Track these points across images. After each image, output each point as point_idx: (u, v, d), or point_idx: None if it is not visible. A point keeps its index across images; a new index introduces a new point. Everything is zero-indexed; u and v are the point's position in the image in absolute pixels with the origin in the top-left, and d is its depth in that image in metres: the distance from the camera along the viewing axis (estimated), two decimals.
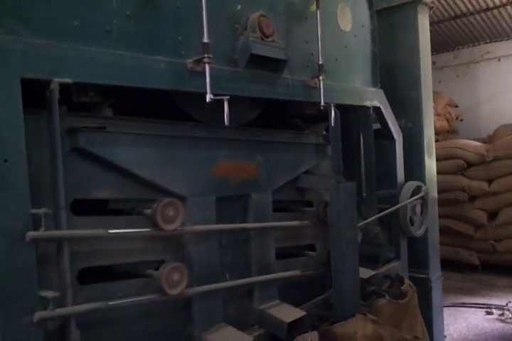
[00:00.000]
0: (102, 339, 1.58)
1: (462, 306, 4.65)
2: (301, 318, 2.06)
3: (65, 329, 1.41)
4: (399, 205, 2.87)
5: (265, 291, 2.12)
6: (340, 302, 2.22)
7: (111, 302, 1.47)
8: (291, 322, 2.00)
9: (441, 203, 3.60)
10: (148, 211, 1.59)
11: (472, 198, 5.66)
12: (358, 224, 2.43)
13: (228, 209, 2.00)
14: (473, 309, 4.59)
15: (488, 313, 4.45)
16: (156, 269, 1.66)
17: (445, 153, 5.57)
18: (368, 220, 2.63)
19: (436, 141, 4.77)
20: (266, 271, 2.12)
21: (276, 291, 2.18)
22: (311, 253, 2.46)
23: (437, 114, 6.20)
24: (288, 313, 2.06)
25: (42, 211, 1.31)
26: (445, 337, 3.71)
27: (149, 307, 1.70)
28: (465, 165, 5.63)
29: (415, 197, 2.98)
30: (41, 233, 1.30)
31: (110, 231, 1.46)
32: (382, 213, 2.77)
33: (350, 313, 2.19)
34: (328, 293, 2.47)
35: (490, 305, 4.63)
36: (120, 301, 1.52)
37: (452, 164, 5.64)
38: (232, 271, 2.02)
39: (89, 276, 1.57)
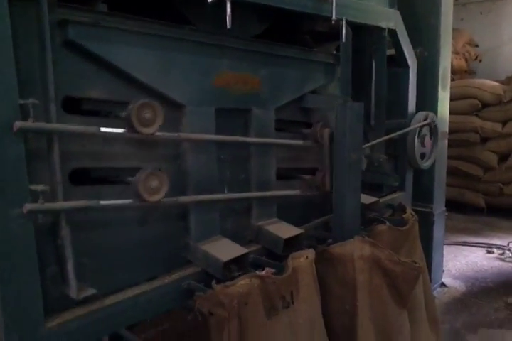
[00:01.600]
0: (96, 244, 1.57)
1: (463, 245, 4.68)
2: (298, 236, 2.06)
3: (56, 225, 1.41)
4: (406, 129, 2.79)
5: (264, 208, 2.11)
6: (340, 225, 2.21)
7: (102, 202, 1.44)
8: (288, 238, 2.00)
9: (452, 144, 3.53)
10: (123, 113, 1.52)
11: (484, 140, 5.54)
12: (363, 146, 2.37)
13: (228, 124, 1.94)
14: (473, 248, 4.62)
15: (489, 252, 4.48)
16: None
17: (460, 92, 5.39)
18: (374, 142, 2.57)
19: (452, 80, 4.61)
20: (265, 188, 2.09)
21: (275, 210, 2.17)
22: (310, 176, 2.42)
23: (456, 53, 5.96)
24: (285, 230, 2.05)
25: (30, 101, 1.25)
26: (443, 271, 3.75)
27: (143, 214, 1.69)
28: (480, 106, 5.47)
29: (422, 123, 2.89)
30: (29, 124, 1.25)
31: (102, 129, 1.41)
32: (389, 136, 2.70)
33: (348, 236, 2.18)
34: (327, 216, 2.46)
35: (491, 244, 4.65)
36: (111, 202, 1.49)
37: (467, 104, 5.47)
38: (231, 186, 1.99)
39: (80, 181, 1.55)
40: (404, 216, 2.62)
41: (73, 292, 1.46)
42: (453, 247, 4.53)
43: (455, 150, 5.36)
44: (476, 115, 5.53)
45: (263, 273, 1.78)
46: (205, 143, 1.80)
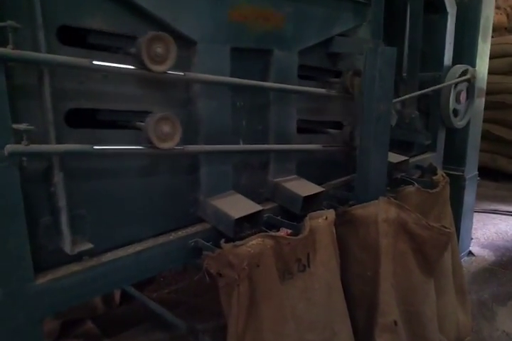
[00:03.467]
0: (95, 194, 1.42)
1: (493, 213, 4.45)
2: (318, 194, 1.88)
3: (49, 171, 1.26)
4: (442, 85, 2.55)
5: (282, 164, 1.92)
6: (363, 185, 2.02)
7: (96, 147, 1.28)
8: (308, 196, 1.82)
9: (486, 106, 3.24)
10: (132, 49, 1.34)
11: None
12: (394, 100, 2.14)
13: (246, 66, 1.73)
14: (504, 216, 4.39)
15: None
16: None
17: (498, 50, 5.02)
18: (406, 96, 2.33)
19: (491, 37, 4.26)
20: (285, 141, 1.90)
21: (295, 166, 1.98)
22: (336, 131, 2.22)
23: (496, 7, 5.54)
24: (305, 188, 1.88)
25: (8, 24, 1.07)
26: (472, 239, 3.56)
27: (149, 163, 1.53)
28: None
29: (460, 79, 2.63)
30: (7, 50, 1.08)
31: (95, 62, 1.22)
32: (423, 91, 2.46)
33: (372, 197, 1.99)
34: (350, 176, 2.27)
35: None
36: (108, 147, 1.33)
37: (505, 63, 5.11)
38: (247, 137, 1.80)
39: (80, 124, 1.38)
40: (434, 178, 2.41)
41: (67, 246, 1.32)
42: (482, 215, 4.31)
43: (488, 112, 4.98)
44: None
45: (278, 233, 1.62)
46: (219, 86, 1.61)
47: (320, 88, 2.01)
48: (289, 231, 1.84)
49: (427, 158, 2.76)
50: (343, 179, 2.27)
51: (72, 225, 1.33)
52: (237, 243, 1.51)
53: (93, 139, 1.36)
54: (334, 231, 1.87)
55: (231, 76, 1.64)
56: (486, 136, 5.10)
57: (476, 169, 3.34)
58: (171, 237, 1.57)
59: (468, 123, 3.01)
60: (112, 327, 2.60)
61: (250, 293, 1.59)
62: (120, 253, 1.44)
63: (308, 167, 2.08)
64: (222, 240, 1.51)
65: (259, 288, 1.59)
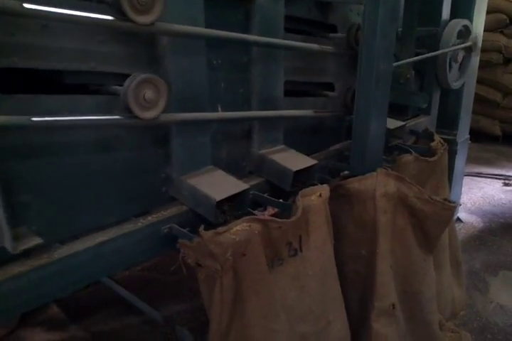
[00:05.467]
0: (43, 175, 1.14)
1: (478, 176, 4.32)
2: (310, 168, 1.64)
3: None
4: (442, 51, 2.29)
5: (268, 133, 1.66)
6: (360, 154, 1.78)
7: (36, 119, 0.99)
8: (298, 171, 1.58)
9: None
10: None
11: (507, 61, 5.00)
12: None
13: (224, 16, 1.44)
14: (489, 179, 4.26)
15: (506, 184, 4.13)
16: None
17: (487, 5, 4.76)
18: (403, 62, 2.07)
19: None
20: (271, 107, 1.63)
21: (282, 135, 1.73)
22: (330, 93, 1.96)
23: None
24: (295, 161, 1.63)
25: None
26: (460, 205, 3.41)
27: (108, 136, 1.25)
28: (507, 21, 4.86)
29: (462, 46, 2.38)
30: None
31: (27, 5, 0.92)
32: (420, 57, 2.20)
33: (369, 168, 1.77)
34: (345, 143, 2.04)
35: (508, 176, 4.29)
36: (52, 118, 1.04)
37: (492, 19, 4.84)
38: (227, 103, 1.53)
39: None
40: (432, 144, 2.19)
41: (8, 242, 1.05)
42: (467, 178, 4.15)
43: None
44: (502, 32, 4.94)
45: (266, 216, 1.39)
46: (191, 40, 1.31)
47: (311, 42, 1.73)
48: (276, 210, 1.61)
49: (420, 122, 2.53)
50: (335, 147, 2.03)
51: (13, 216, 1.07)
52: (220, 229, 1.27)
53: (40, 110, 1.07)
54: (328, 209, 1.64)
55: (206, 27, 1.35)
56: None
57: (468, 132, 3.15)
58: (140, 224, 1.31)
59: (462, 85, 2.79)
60: (80, 312, 2.38)
61: (235, 286, 1.36)
62: (77, 246, 1.18)
63: (296, 135, 1.84)
64: (202, 227, 1.27)
65: (245, 280, 1.37)
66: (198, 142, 1.42)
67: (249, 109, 1.60)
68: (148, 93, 1.14)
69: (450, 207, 1.79)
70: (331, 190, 1.78)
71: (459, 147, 2.99)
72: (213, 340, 1.42)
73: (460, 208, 3.46)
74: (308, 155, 1.85)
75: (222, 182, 1.41)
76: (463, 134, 3.05)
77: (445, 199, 1.81)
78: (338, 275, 1.86)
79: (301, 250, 1.53)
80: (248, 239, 1.32)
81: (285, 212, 1.54)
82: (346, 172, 1.85)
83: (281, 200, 1.54)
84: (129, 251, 1.28)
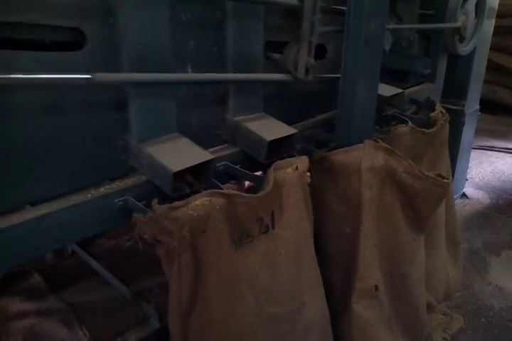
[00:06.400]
0: None
1: (490, 149, 4.12)
2: (289, 137, 1.49)
3: None
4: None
5: (245, 98, 1.51)
6: (347, 123, 1.64)
7: None
8: (274, 141, 1.44)
9: None
10: None
11: None
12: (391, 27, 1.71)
13: None
14: (502, 154, 4.06)
15: None
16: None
17: None
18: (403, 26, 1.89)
19: None
20: (248, 69, 1.48)
21: (261, 101, 1.58)
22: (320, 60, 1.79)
23: None
24: (272, 130, 1.49)
25: None
26: (466, 180, 3.24)
27: (57, 97, 1.12)
28: None
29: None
30: None
31: None
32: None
33: (357, 138, 1.62)
34: (331, 112, 1.89)
35: None
36: None
37: None
38: (198, 64, 1.38)
39: None
40: (432, 114, 2.03)
41: None
42: (478, 152, 3.97)
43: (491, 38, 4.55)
44: None
45: (230, 190, 1.26)
46: None
47: None
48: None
49: (423, 90, 2.35)
50: (322, 116, 1.88)
51: None
52: (176, 204, 1.15)
53: None
54: (306, 183, 1.51)
55: None
56: (486, 65, 4.67)
57: (478, 103, 2.95)
58: (90, 196, 1.20)
59: (473, 50, 2.58)
60: (61, 281, 2.32)
61: (195, 264, 1.25)
62: (16, 219, 1.08)
63: (279, 102, 1.69)
64: (155, 200, 1.15)
65: (206, 259, 1.26)
66: (161, 107, 1.29)
67: (224, 71, 1.45)
68: None
69: (443, 183, 1.64)
70: (314, 163, 1.65)
71: (467, 118, 2.81)
72: (173, 321, 1.33)
73: (467, 183, 3.29)
74: (293, 124, 1.72)
75: (185, 151, 1.28)
76: (472, 105, 2.86)
77: (438, 175, 1.67)
78: (321, 253, 1.76)
79: (273, 227, 1.41)
80: (208, 215, 1.21)
81: (260, 186, 1.42)
82: (333, 144, 1.71)
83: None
84: (75, 225, 1.17)
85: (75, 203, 1.16)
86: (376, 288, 1.69)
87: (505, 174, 3.63)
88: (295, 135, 1.50)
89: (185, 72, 1.37)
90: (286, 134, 1.47)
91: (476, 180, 3.52)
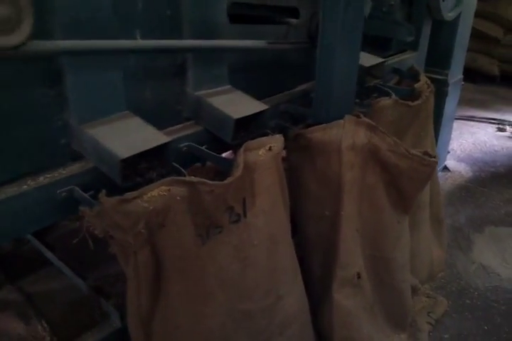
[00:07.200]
0: None
1: (470, 120, 4.00)
2: (259, 115, 1.32)
3: None
4: None
5: (207, 69, 1.32)
6: (324, 96, 1.47)
7: None
8: (242, 118, 1.26)
9: None
10: None
11: None
12: None
13: None
14: (483, 124, 3.95)
15: (500, 130, 3.83)
16: None
17: None
18: None
19: None
20: (209, 35, 1.29)
21: (226, 72, 1.39)
22: (292, 20, 1.60)
23: None
24: (239, 106, 1.31)
25: None
26: (448, 152, 3.12)
27: None
28: None
29: None
30: None
31: None
32: None
33: (336, 113, 1.46)
34: (308, 83, 1.71)
35: (503, 120, 3.98)
36: None
37: None
38: (148, 30, 1.18)
39: None
40: (416, 85, 1.87)
41: None
42: (459, 122, 3.84)
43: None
44: None
45: (193, 177, 1.09)
46: None
47: None
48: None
49: (406, 59, 2.19)
50: (300, 88, 1.71)
51: None
52: (127, 195, 0.98)
53: None
54: (281, 165, 1.35)
55: None
56: None
57: (462, 72, 2.80)
58: (26, 187, 1.02)
59: (458, 16, 2.41)
60: (19, 269, 2.14)
61: (154, 263, 1.10)
62: None
63: (248, 73, 1.51)
64: (103, 192, 0.98)
65: (167, 256, 1.10)
66: (104, 80, 1.09)
67: (180, 38, 1.26)
68: (3, 10, 0.80)
69: (430, 162, 1.51)
70: (290, 140, 1.49)
71: (450, 88, 2.66)
72: (133, 324, 1.18)
73: (448, 156, 3.18)
74: (265, 98, 1.55)
75: (135, 133, 1.10)
76: (456, 74, 2.71)
77: (425, 153, 1.53)
78: (299, 237, 1.62)
79: (245, 215, 1.25)
80: (167, 207, 1.04)
81: (228, 169, 1.25)
82: (310, 120, 1.54)
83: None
84: (10, 222, 1.00)
85: (4, 197, 0.98)
86: (359, 276, 1.56)
87: (487, 145, 3.53)
88: (266, 111, 1.33)
89: (134, 38, 1.17)
90: (255, 111, 1.30)
91: (458, 152, 3.41)
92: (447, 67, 2.61)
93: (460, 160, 3.28)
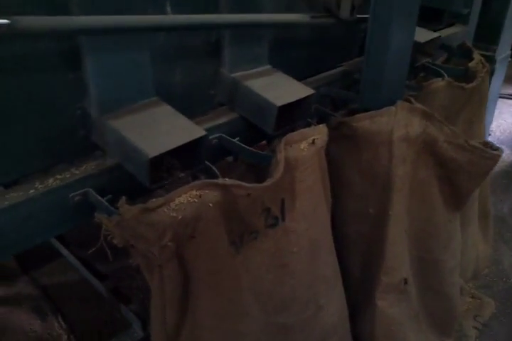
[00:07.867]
0: None
1: (510, 98, 3.74)
2: (304, 100, 1.14)
3: None
4: None
5: (245, 47, 1.14)
6: (376, 79, 1.27)
7: None
8: (285, 106, 1.08)
9: None
10: None
11: None
12: None
13: None
14: None
15: None
16: None
17: None
18: None
19: None
20: (249, 8, 1.09)
21: (267, 51, 1.20)
22: None
23: None
24: (283, 90, 1.13)
25: None
26: (489, 135, 2.90)
27: None
28: None
29: None
30: None
31: None
32: None
33: (387, 99, 1.27)
34: (357, 60, 1.52)
35: None
36: None
37: None
38: (180, 3, 0.99)
39: None
40: (470, 65, 1.66)
41: None
42: (498, 101, 3.58)
43: None
44: None
45: (229, 180, 0.92)
46: None
47: None
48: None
49: (456, 33, 1.96)
50: (342, 68, 1.51)
51: None
52: (151, 203, 0.82)
53: None
54: (324, 161, 1.18)
55: None
56: None
57: (510, 48, 2.56)
58: (33, 191, 0.86)
59: None
60: (34, 261, 2.03)
61: (182, 277, 0.95)
62: None
63: (284, 51, 1.31)
64: (123, 199, 0.82)
65: (196, 270, 0.95)
66: (129, 62, 0.92)
67: (216, 12, 1.07)
68: None
69: (493, 155, 1.32)
70: (332, 129, 1.31)
71: (497, 65, 2.43)
72: None
73: (489, 138, 2.96)
74: (303, 79, 1.36)
75: (165, 125, 0.93)
76: (504, 50, 2.47)
77: (485, 145, 1.34)
78: (338, 234, 1.45)
79: (283, 219, 1.09)
80: (198, 216, 0.88)
81: (267, 165, 1.08)
82: (355, 105, 1.36)
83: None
84: (15, 233, 0.85)
85: (8, 205, 0.82)
86: (405, 281, 1.40)
87: None
88: (311, 97, 1.14)
89: (163, 13, 0.99)
90: (300, 96, 1.11)
91: (497, 133, 3.18)
92: (496, 43, 2.37)
93: (500, 142, 3.05)
